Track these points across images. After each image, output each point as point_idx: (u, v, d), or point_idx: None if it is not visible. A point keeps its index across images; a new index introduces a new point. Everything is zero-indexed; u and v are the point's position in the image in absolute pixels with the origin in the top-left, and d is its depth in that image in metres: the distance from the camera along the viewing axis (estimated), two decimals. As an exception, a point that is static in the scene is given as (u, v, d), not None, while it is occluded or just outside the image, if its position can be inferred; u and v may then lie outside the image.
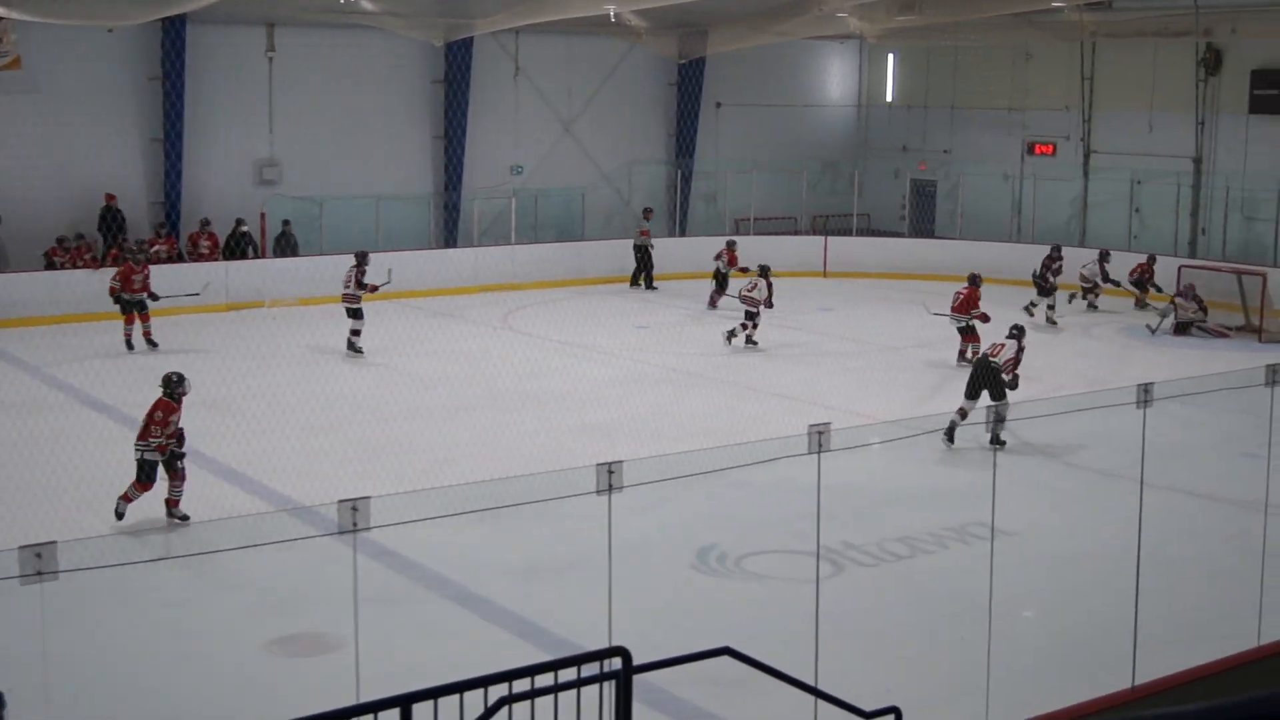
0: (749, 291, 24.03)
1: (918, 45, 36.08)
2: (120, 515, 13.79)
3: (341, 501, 7.39)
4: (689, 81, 35.60)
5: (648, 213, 32.16)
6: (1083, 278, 28.05)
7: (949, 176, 35.93)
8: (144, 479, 13.83)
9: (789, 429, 10.20)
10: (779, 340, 24.44)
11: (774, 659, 8.92)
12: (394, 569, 12.59)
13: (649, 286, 30.75)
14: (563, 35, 33.00)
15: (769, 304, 24.01)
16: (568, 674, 7.68)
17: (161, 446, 13.77)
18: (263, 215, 28.97)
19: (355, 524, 7.45)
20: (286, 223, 29.05)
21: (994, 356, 17.27)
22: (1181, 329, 25.42)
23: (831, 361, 23.02)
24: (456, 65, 31.86)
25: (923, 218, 36.59)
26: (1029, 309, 26.65)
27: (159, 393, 14.08)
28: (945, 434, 16.52)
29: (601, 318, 26.19)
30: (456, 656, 10.64)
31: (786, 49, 36.13)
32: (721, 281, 27.63)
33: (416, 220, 31.80)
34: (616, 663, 7.96)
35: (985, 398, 16.65)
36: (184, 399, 14.16)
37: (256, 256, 28.57)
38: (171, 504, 14.00)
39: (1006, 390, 16.74)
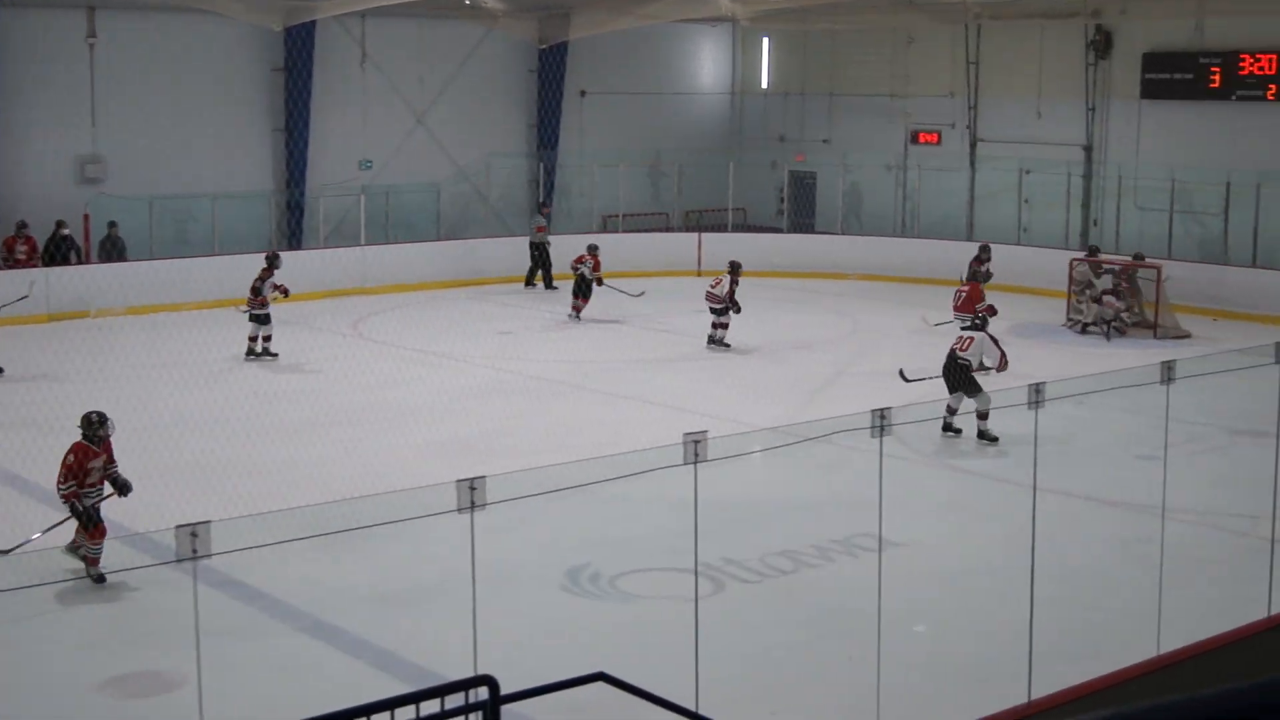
0: (713, 289, 24.39)
1: (794, 29, 36.46)
2: (101, 578, 12.91)
3: (180, 527, 7.31)
4: (550, 68, 35.62)
5: (543, 208, 32.26)
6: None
7: (829, 168, 36.35)
8: (90, 525, 12.97)
9: (663, 439, 10.26)
10: (651, 344, 24.56)
11: (651, 684, 8.98)
12: (239, 599, 12.46)
13: (548, 286, 30.80)
14: (413, 19, 32.88)
15: (732, 302, 24.19)
16: (430, 706, 7.67)
17: (68, 495, 12.97)
18: (86, 217, 28.47)
19: (195, 551, 7.37)
20: (113, 224, 28.56)
21: (962, 351, 17.81)
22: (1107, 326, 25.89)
23: (707, 366, 23.17)
24: (298, 52, 31.57)
25: (802, 212, 36.99)
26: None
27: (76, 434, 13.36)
28: (942, 429, 17.81)
29: (460, 323, 26.13)
30: (309, 692, 10.56)
31: (655, 33, 36.33)
32: (584, 289, 27.20)
33: (256, 220, 31.44)
34: (483, 692, 7.96)
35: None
36: (106, 442, 13.37)
37: (80, 261, 28.05)
38: (88, 558, 13.04)
39: (980, 386, 17.55)
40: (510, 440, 18.03)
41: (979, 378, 17.91)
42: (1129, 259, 27.33)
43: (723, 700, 9.92)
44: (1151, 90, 30.99)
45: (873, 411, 9.79)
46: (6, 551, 12.89)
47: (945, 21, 33.29)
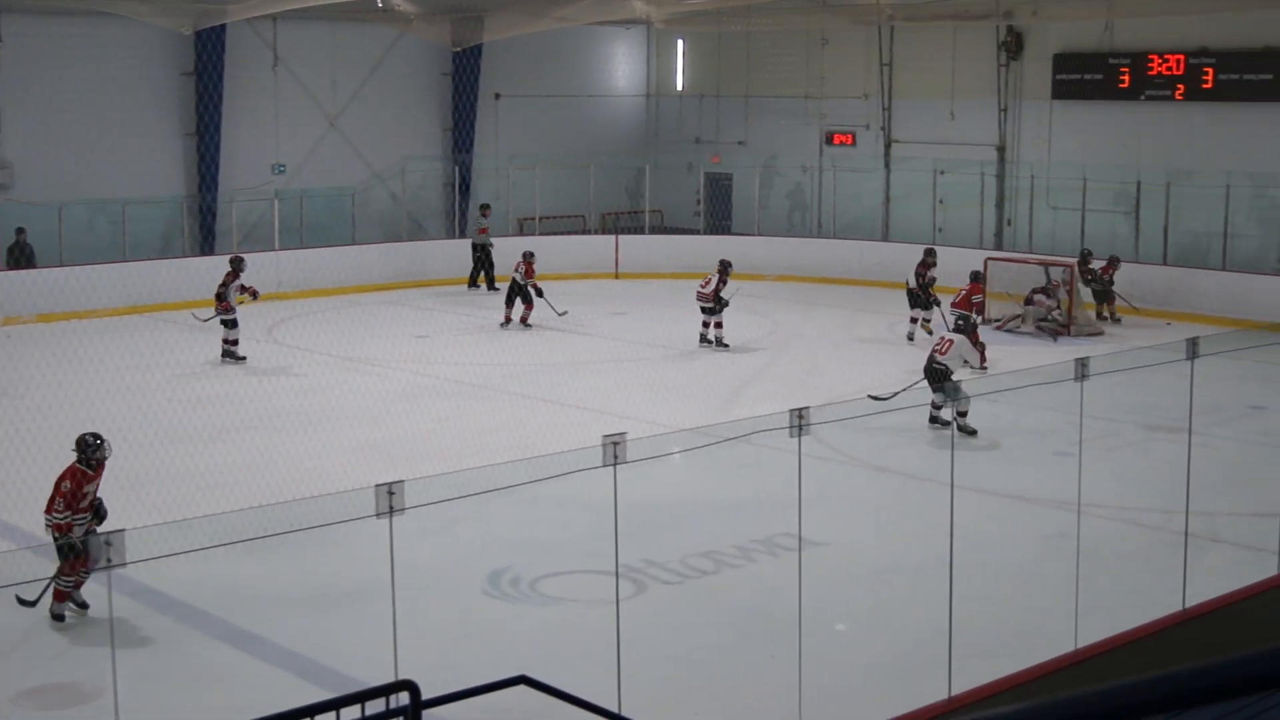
0: (702, 288, 24.59)
1: (708, 31, 36.54)
2: (61, 617, 12.00)
3: (94, 535, 7.23)
4: (465, 71, 35.50)
5: (485, 209, 32.14)
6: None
7: (745, 169, 36.48)
8: (73, 557, 11.71)
9: (583, 441, 10.26)
10: (570, 347, 24.54)
11: (574, 686, 8.97)
12: (156, 608, 12.31)
13: (490, 287, 30.71)
14: (325, 22, 32.67)
15: (717, 298, 24.31)
16: (351, 713, 7.62)
17: (62, 525, 11.99)
18: (-9, 224, 28.10)
19: (110, 560, 7.30)
20: (21, 231, 28.17)
21: (942, 354, 18.02)
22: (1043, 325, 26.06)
23: (626, 369, 23.18)
24: (208, 55, 31.28)
25: (719, 214, 37.10)
26: (921, 327, 25.47)
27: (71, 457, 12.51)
28: (929, 420, 18.14)
29: (377, 328, 26.01)
30: (228, 701, 10.47)
31: (569, 35, 36.33)
32: (523, 295, 26.70)
33: (168, 225, 31.14)
34: (404, 698, 7.92)
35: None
36: (102, 465, 12.52)
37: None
38: (61, 594, 12.07)
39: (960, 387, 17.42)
40: (430, 444, 17.97)
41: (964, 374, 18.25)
42: (1041, 258, 27.62)
43: (645, 702, 9.93)
44: (1062, 91, 31.35)
45: (791, 411, 9.83)
46: (32, 603, 12.12)
47: (859, 23, 33.49)
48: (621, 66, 39.42)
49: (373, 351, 23.97)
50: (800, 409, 9.85)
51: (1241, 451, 17.91)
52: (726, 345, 24.41)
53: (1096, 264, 27.64)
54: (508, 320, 26.75)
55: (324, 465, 16.89)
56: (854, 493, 16.27)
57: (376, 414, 19.84)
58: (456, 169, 35.24)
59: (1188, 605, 11.73)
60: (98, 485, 12.39)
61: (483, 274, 31.15)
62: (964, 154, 32.84)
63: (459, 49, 34.81)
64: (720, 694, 11.12)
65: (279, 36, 32.70)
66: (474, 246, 31.39)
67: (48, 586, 11.92)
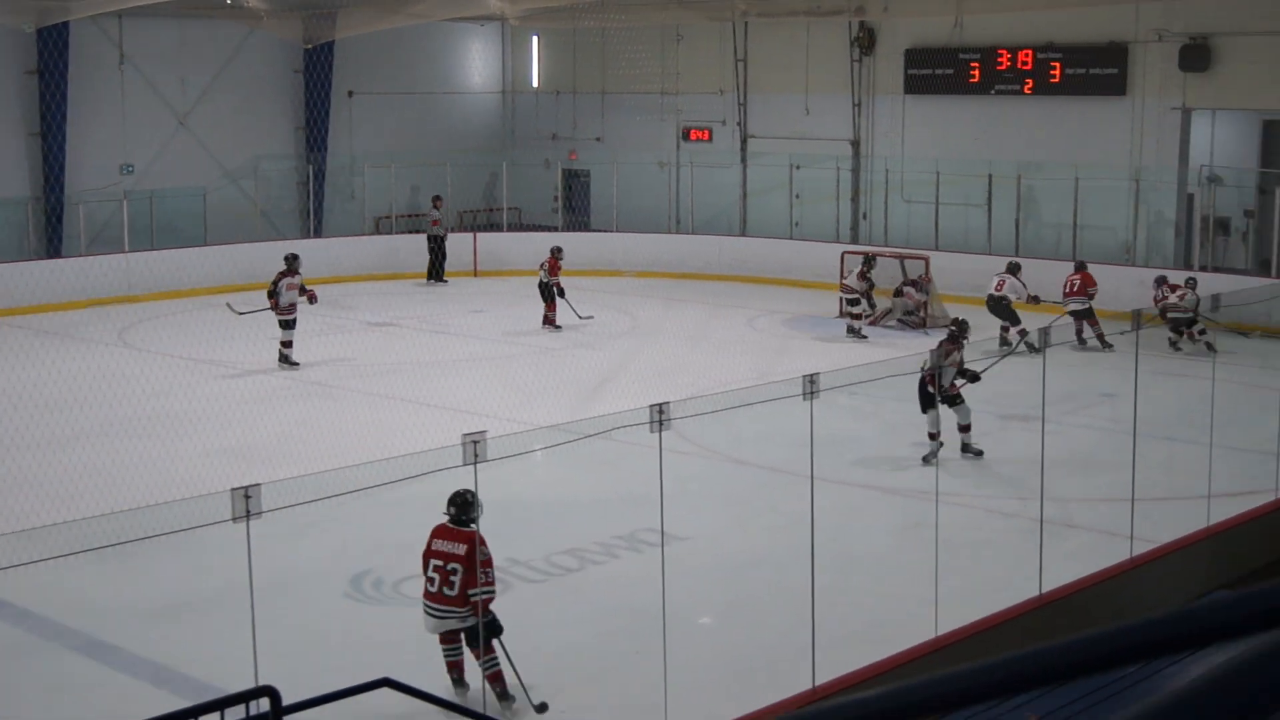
0: (846, 279, 25.28)
1: (563, 27, 36.52)
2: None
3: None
4: (317, 68, 35.10)
5: (437, 201, 31.95)
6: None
7: (602, 166, 36.50)
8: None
9: (442, 441, 10.18)
10: (428, 346, 24.37)
11: (438, 688, 8.93)
12: (6, 620, 12.05)
13: (439, 279, 31.12)
14: (173, 19, 32.14)
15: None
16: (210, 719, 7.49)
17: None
18: None
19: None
20: None
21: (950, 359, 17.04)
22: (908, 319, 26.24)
23: (486, 368, 23.07)
24: (51, 53, 30.60)
25: (577, 210, 37.08)
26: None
27: None
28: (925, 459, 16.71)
29: (231, 330, 25.59)
30: (85, 713, 10.26)
31: (423, 32, 36.09)
32: (549, 294, 26.05)
33: (12, 227, 30.43)
34: (264, 704, 7.82)
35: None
36: None
37: None
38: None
39: (955, 399, 16.96)
40: (287, 447, 17.75)
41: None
42: (896, 251, 27.94)
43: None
44: (914, 85, 31.80)
45: (651, 407, 9.85)
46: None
47: (713, 19, 33.65)
48: (476, 63, 39.25)
49: (227, 353, 23.60)
50: (660, 404, 9.87)
51: (1093, 438, 18.27)
52: (864, 336, 25.09)
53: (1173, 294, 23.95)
54: (549, 323, 25.99)
55: (178, 470, 16.61)
56: (715, 487, 16.34)
57: (231, 417, 19.55)
58: (310, 167, 34.84)
59: (1044, 590, 11.94)
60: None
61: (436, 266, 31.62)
62: (819, 149, 33.16)
63: (310, 46, 34.41)
64: (586, 690, 11.11)
65: (125, 34, 32.10)
66: (429, 239, 31.78)
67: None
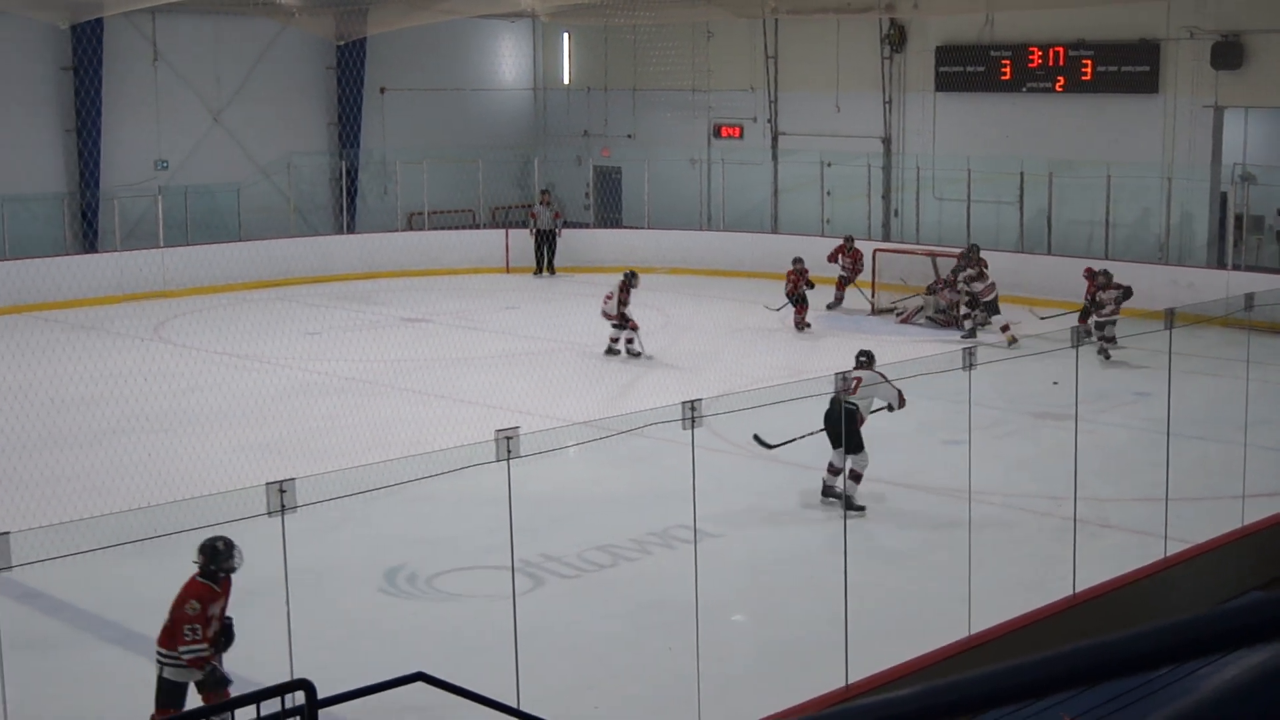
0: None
1: (594, 24, 36.53)
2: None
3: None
4: (349, 65, 35.22)
5: (545, 195, 32.34)
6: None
7: (634, 162, 36.53)
8: (164, 702, 9.62)
9: (476, 436, 10.24)
10: (461, 342, 24.45)
11: (472, 682, 8.97)
12: (43, 611, 12.14)
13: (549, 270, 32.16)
14: (206, 16, 32.29)
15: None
16: (247, 713, 7.56)
17: (199, 660, 9.47)
18: None
19: (-5, 563, 7.20)
20: (-105, 229, 27.63)
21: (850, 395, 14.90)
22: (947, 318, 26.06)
23: (518, 364, 23.12)
24: (86, 50, 30.76)
25: (608, 206, 37.12)
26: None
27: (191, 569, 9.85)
28: (823, 493, 15.49)
29: (266, 325, 25.74)
30: (120, 704, 10.34)
31: (454, 28, 36.14)
32: (801, 299, 25.69)
33: (48, 223, 30.61)
34: (299, 697, 7.88)
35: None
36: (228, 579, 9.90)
37: None
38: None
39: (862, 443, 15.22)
40: (321, 442, 17.81)
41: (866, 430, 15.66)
42: (928, 249, 27.90)
43: (544, 696, 9.93)
44: (945, 83, 31.72)
45: (683, 404, 9.87)
46: None
47: (743, 16, 33.63)
48: (508, 60, 39.30)
49: (262, 349, 23.71)
50: (693, 401, 9.90)
51: (1127, 438, 18.22)
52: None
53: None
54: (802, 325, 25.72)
55: (213, 464, 16.69)
56: (747, 483, 16.34)
57: (267, 412, 19.64)
58: (343, 164, 34.97)
59: (1078, 590, 11.92)
60: (224, 605, 9.84)
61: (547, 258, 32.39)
62: (850, 146, 33.13)
63: (343, 42, 34.54)
64: (619, 686, 11.15)
65: (158, 31, 32.24)
66: (536, 232, 32.48)
67: None
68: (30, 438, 18.15)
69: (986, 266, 25.27)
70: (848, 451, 14.80)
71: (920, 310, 26.52)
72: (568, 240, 33.01)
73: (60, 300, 27.02)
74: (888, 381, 15.14)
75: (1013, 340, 23.39)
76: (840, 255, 27.98)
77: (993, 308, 24.72)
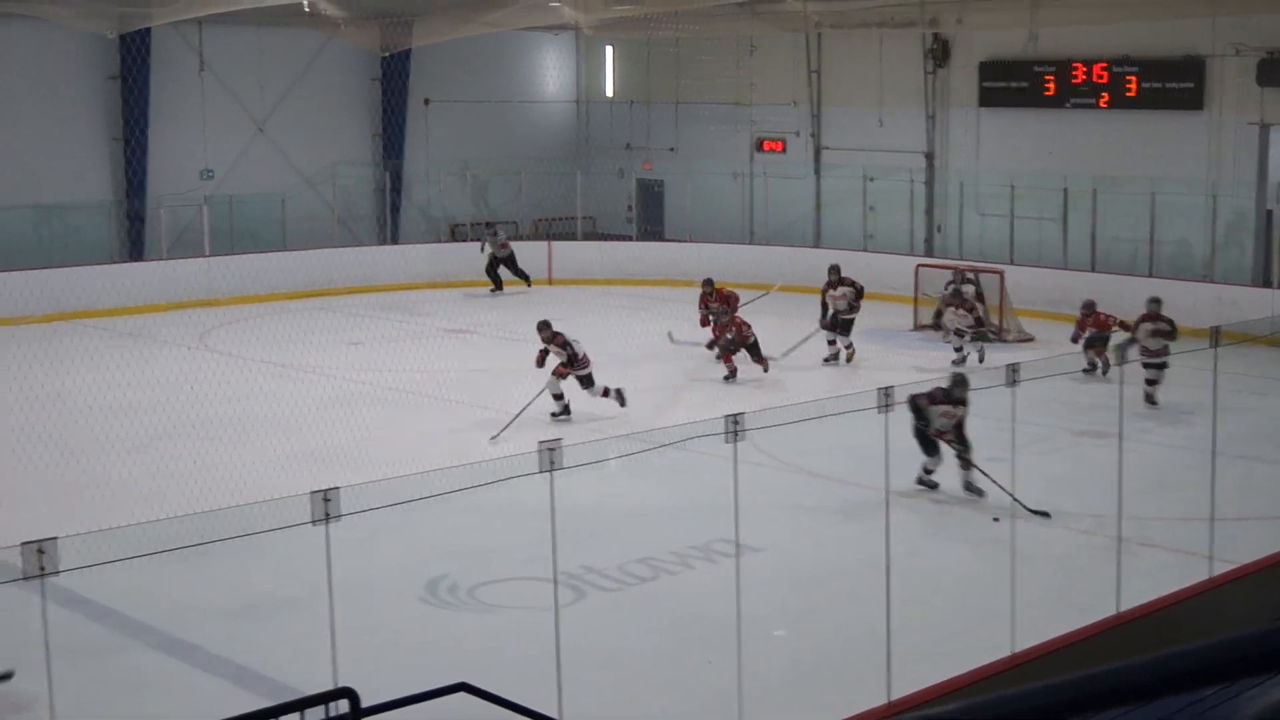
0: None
1: (637, 37, 36.62)
2: None
3: (26, 544, 7.17)
4: (394, 76, 35.43)
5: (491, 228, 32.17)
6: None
7: (676, 175, 36.58)
8: None
9: (518, 447, 10.27)
10: (503, 354, 24.51)
11: (514, 693, 8.99)
12: (89, 617, 12.22)
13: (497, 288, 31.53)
14: (252, 26, 32.50)
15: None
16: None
17: None
18: (-87, 229, 27.78)
19: (43, 568, 7.24)
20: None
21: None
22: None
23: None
24: (133, 59, 31.04)
25: (650, 219, 37.19)
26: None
27: None
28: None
29: (309, 334, 25.85)
30: (165, 710, 10.41)
31: (498, 41, 36.28)
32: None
33: (95, 231, 30.86)
34: (344, 705, 7.92)
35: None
36: None
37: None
38: None
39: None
40: (364, 451, 17.87)
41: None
42: (971, 264, 27.83)
43: (585, 708, 9.95)
44: (989, 98, 31.65)
45: (726, 417, 9.87)
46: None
47: (786, 30, 33.66)
48: (551, 72, 39.42)
49: (305, 358, 23.84)
50: (735, 415, 9.90)
51: (1170, 456, 18.13)
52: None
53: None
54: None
55: (256, 473, 16.78)
56: (789, 498, 16.34)
57: (310, 421, 19.71)
58: (387, 175, 35.14)
59: (1122, 609, 11.87)
60: None
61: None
62: (893, 161, 33.10)
63: (387, 54, 34.74)
64: (660, 700, 11.16)
65: (205, 41, 32.49)
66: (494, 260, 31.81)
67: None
68: (78, 444, 18.31)
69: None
70: (929, 454, 16.14)
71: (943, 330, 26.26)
72: (609, 252, 33.06)
73: (107, 308, 27.23)
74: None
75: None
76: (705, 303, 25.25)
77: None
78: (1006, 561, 11.72)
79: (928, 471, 16.35)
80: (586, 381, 20.08)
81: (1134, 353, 20.38)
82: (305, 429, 19.28)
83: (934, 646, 11.70)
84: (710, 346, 24.01)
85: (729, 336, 22.67)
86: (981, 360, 23.34)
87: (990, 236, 31.44)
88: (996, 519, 14.76)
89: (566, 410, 20.08)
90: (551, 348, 20.01)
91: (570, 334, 20.35)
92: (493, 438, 18.52)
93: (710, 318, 24.14)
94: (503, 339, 25.47)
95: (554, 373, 19.88)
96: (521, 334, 26.12)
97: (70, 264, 28.49)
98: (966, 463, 15.98)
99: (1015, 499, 14.23)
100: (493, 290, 31.43)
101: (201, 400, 20.42)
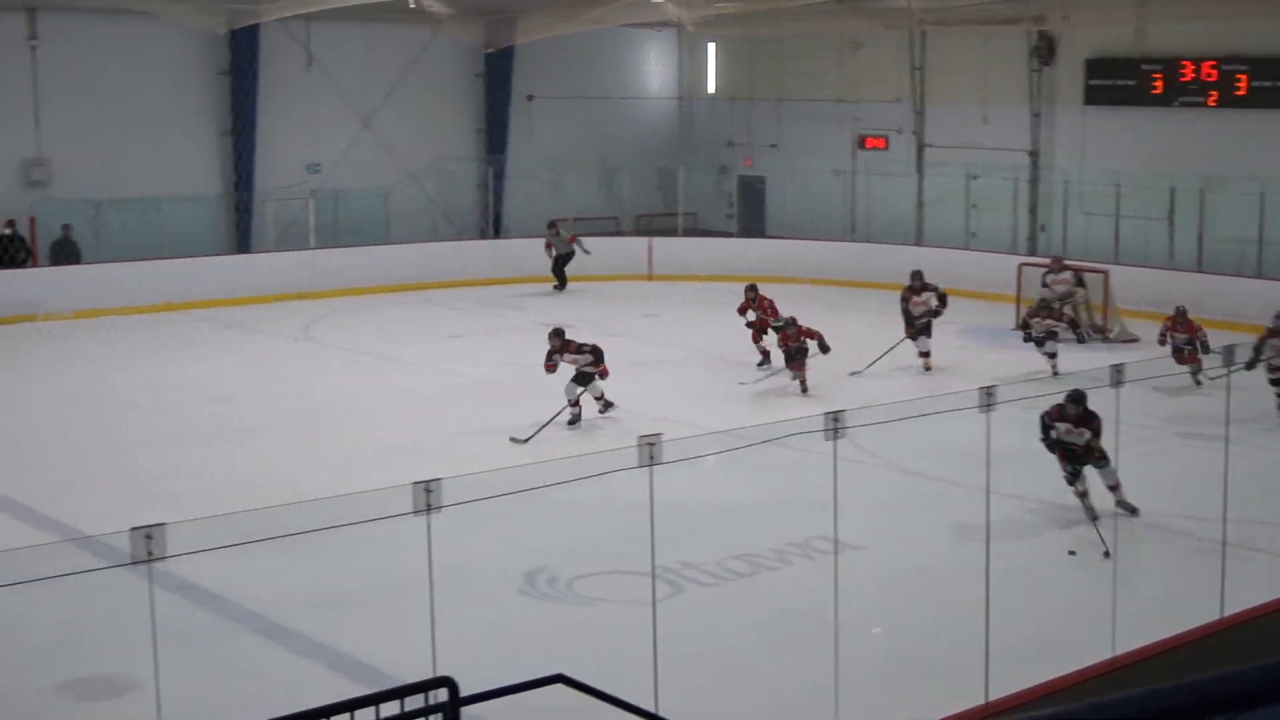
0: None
1: (739, 35, 36.54)
2: None
3: (134, 530, 7.24)
4: (497, 72, 35.58)
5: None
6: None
7: (778, 172, 36.44)
8: None
9: (616, 442, 10.27)
10: (604, 349, 24.51)
11: (611, 686, 8.98)
12: (193, 602, 12.38)
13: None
14: (358, 22, 32.76)
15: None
16: (390, 708, 7.64)
17: None
18: (32, 220, 28.22)
19: (150, 554, 7.31)
20: (67, 227, 28.36)
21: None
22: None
23: (658, 371, 23.16)
24: (243, 55, 31.43)
25: (751, 216, 37.09)
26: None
27: None
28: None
29: (412, 328, 26.06)
30: (266, 695, 10.49)
31: (601, 37, 36.31)
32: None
33: (205, 223, 31.28)
34: (443, 694, 7.94)
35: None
36: None
37: (27, 263, 27.78)
38: None
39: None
40: (464, 443, 17.97)
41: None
42: (1076, 264, 27.50)
43: (682, 702, 9.92)
44: (1095, 96, 31.23)
45: (826, 414, 9.81)
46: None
47: (890, 27, 33.44)
48: (653, 69, 39.43)
49: (407, 350, 24.00)
50: (835, 412, 9.84)
51: (1278, 459, 17.80)
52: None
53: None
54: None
55: (360, 463, 16.93)
56: (889, 496, 16.22)
57: (411, 412, 19.87)
58: (490, 170, 35.31)
59: (1225, 614, 11.67)
60: None
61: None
62: (997, 159, 32.75)
63: (491, 50, 34.90)
64: (756, 695, 11.12)
65: (312, 37, 32.79)
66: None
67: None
68: (184, 433, 18.55)
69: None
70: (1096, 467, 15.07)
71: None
72: (709, 249, 33.00)
73: (214, 298, 27.61)
74: None
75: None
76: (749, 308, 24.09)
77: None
78: (1105, 564, 11.57)
79: (1080, 494, 15.32)
80: (586, 380, 19.85)
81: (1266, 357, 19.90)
82: (407, 420, 19.43)
83: (1032, 648, 11.57)
84: (762, 364, 22.99)
85: (792, 345, 21.57)
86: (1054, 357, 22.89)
87: (1095, 236, 31.04)
88: (1073, 552, 14.32)
89: (610, 407, 19.90)
90: (565, 355, 19.78)
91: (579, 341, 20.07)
92: (524, 439, 18.27)
93: (770, 325, 22.96)
94: (600, 334, 25.44)
95: (598, 374, 19.65)
96: (618, 329, 26.19)
97: (181, 255, 28.87)
98: (1111, 484, 15.16)
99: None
100: (556, 287, 31.34)
101: (305, 390, 20.62)
